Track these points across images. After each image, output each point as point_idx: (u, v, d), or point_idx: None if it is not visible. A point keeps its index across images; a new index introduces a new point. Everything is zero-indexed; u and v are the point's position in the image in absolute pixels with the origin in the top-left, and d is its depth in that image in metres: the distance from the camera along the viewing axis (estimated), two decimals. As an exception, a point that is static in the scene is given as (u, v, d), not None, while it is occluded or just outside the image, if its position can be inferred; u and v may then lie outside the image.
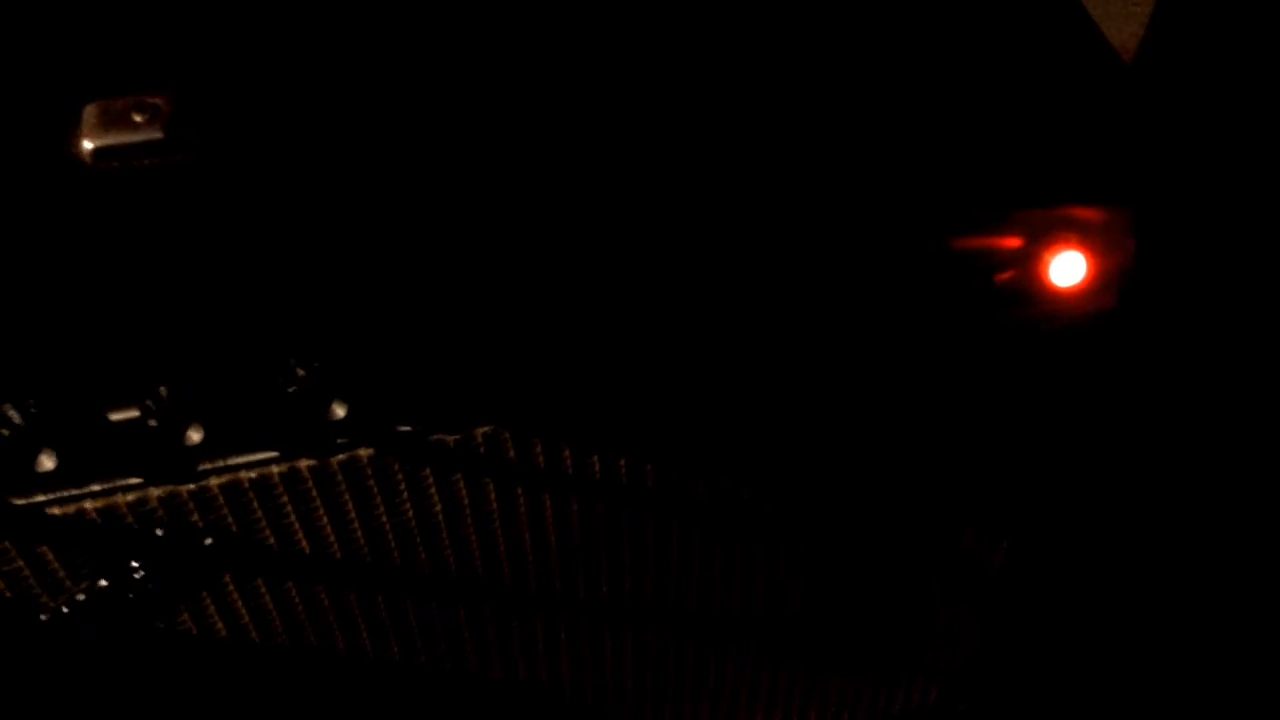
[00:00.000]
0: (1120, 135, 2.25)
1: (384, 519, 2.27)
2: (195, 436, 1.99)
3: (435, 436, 2.17)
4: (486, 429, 2.20)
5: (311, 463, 2.12)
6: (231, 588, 2.31)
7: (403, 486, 2.24)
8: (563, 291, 2.12)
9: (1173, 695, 2.95)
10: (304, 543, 2.26)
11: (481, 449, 2.22)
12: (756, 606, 2.90)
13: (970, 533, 2.80)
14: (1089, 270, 2.29)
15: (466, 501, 2.31)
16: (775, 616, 2.95)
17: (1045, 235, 2.27)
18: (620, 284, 2.14)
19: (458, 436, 2.19)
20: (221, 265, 1.99)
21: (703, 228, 2.13)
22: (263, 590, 2.34)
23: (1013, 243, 2.29)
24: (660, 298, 2.16)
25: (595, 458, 2.32)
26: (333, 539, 2.28)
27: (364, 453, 2.15)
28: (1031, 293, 2.31)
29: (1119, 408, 2.42)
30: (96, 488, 2.02)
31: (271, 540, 2.24)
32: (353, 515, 2.25)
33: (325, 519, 2.23)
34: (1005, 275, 2.30)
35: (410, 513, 2.29)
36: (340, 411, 2.02)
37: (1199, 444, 2.54)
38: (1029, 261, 2.29)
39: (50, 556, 2.10)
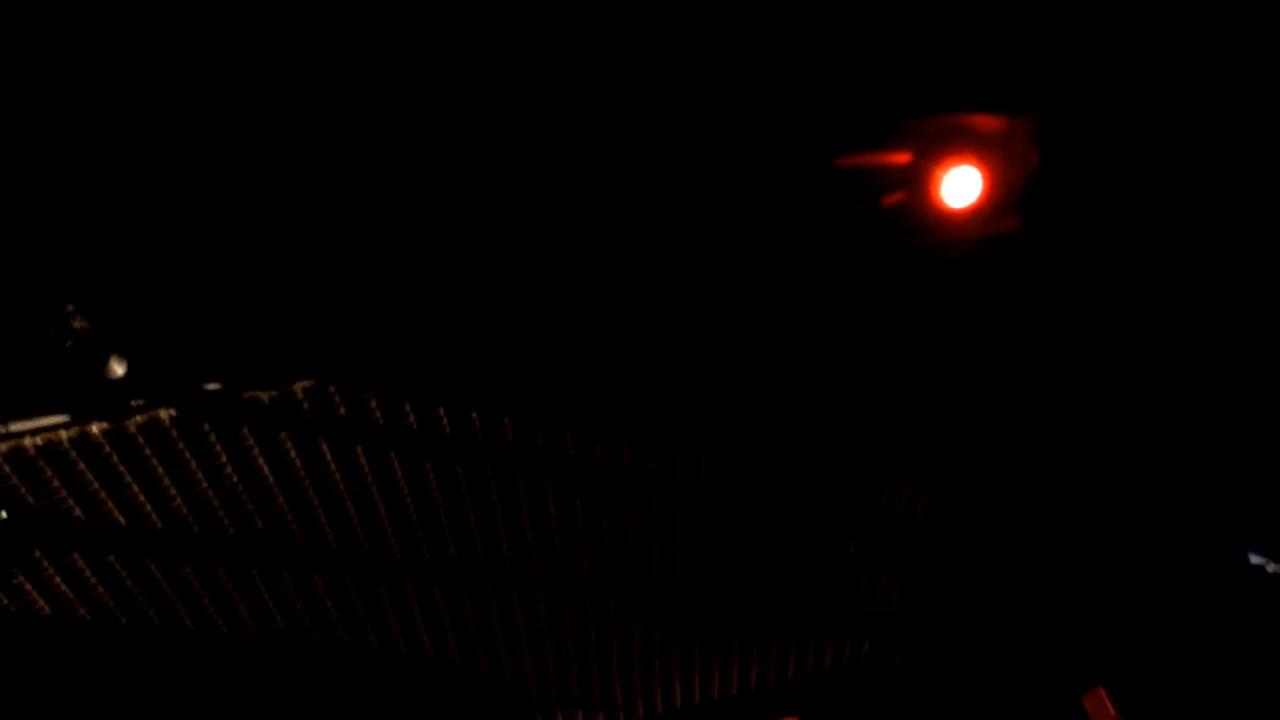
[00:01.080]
0: (1024, 29, 1.97)
1: (205, 486, 2.05)
2: (-47, 402, 1.77)
3: (248, 394, 1.95)
4: (307, 384, 1.97)
5: (104, 426, 1.90)
6: (46, 564, 2.10)
7: (218, 449, 2.01)
8: (384, 218, 1.88)
9: (1099, 639, 2.74)
10: (116, 514, 2.04)
11: (305, 405, 1.99)
12: (659, 569, 2.69)
13: (885, 486, 2.57)
14: (985, 187, 2.03)
15: (299, 464, 2.09)
16: (683, 579, 2.75)
17: (935, 148, 2.01)
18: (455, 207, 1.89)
19: (274, 394, 1.97)
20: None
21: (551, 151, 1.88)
22: (82, 565, 2.12)
23: (899, 158, 2.03)
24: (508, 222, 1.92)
25: (442, 411, 2.09)
26: (149, 509, 2.05)
27: (165, 414, 1.93)
28: (922, 216, 2.05)
29: (1028, 344, 2.16)
30: None
31: (79, 512, 2.02)
32: (167, 483, 2.03)
33: (135, 487, 2.01)
34: (893, 197, 2.04)
35: (235, 478, 2.06)
36: (119, 369, 1.79)
37: (1118, 384, 2.29)
38: (918, 180, 2.03)
39: None
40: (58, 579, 2.12)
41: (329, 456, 2.09)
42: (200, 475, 2.03)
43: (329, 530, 2.22)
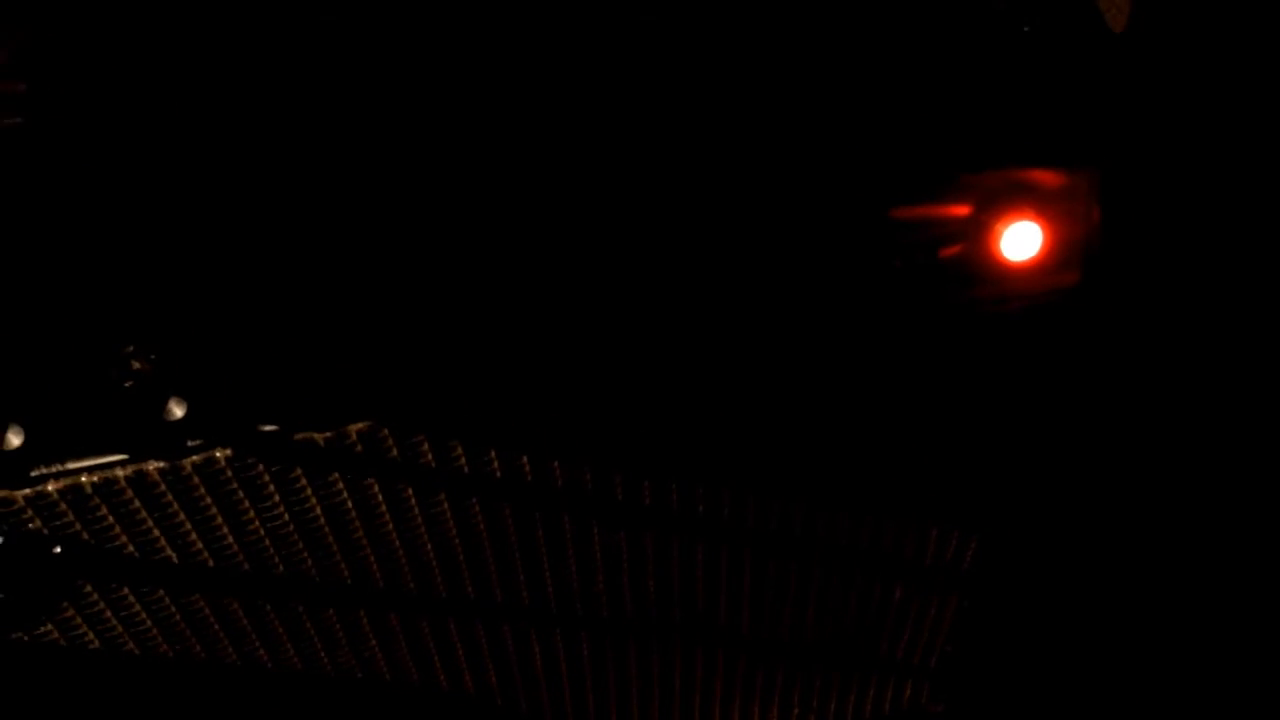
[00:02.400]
0: (1084, 87, 1.96)
1: (256, 524, 2.06)
2: (15, 440, 1.78)
3: (302, 435, 1.95)
4: (361, 426, 1.98)
5: (160, 465, 1.91)
6: (96, 597, 2.11)
7: (271, 489, 2.02)
8: (439, 272, 1.88)
9: (1148, 693, 2.70)
10: (169, 550, 2.05)
11: (358, 448, 2.00)
12: (704, 610, 2.68)
13: (934, 531, 2.55)
14: (1045, 242, 2.01)
15: (350, 504, 2.09)
16: (732, 617, 2.73)
17: (995, 202, 2.00)
18: (513, 263, 1.90)
19: (329, 435, 1.97)
20: (40, 249, 1.78)
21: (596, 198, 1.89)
22: (132, 600, 2.13)
23: (959, 211, 2.02)
24: (562, 274, 1.92)
25: (493, 453, 2.09)
26: (200, 546, 2.06)
27: (220, 454, 1.93)
28: (981, 269, 2.04)
29: (1086, 399, 2.14)
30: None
31: (131, 548, 2.03)
32: (219, 521, 2.03)
33: (187, 525, 2.02)
34: (951, 250, 2.03)
35: (286, 517, 2.07)
36: (178, 411, 1.80)
37: (1175, 438, 2.27)
38: (977, 233, 2.01)
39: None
40: (108, 613, 2.13)
41: (380, 497, 2.10)
42: (253, 513, 2.04)
43: (376, 569, 2.23)
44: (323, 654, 2.36)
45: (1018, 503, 2.42)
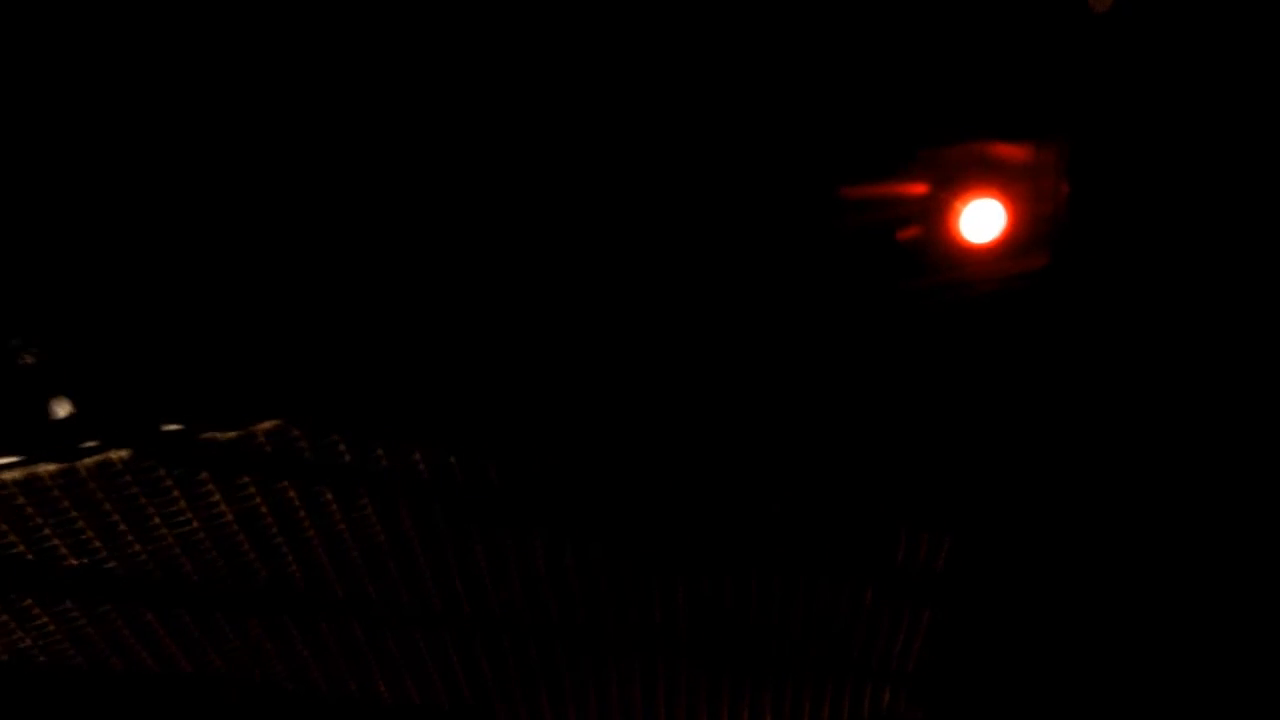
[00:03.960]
0: (1051, 52, 1.80)
1: (163, 529, 1.92)
2: (-117, 443, 1.65)
3: (206, 435, 1.82)
4: (270, 425, 1.84)
5: (54, 468, 1.78)
6: (-3, 608, 1.98)
7: (176, 493, 1.88)
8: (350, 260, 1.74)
9: (1128, 695, 2.56)
10: (70, 558, 1.92)
11: (268, 448, 1.86)
12: (663, 617, 2.53)
13: (902, 532, 2.41)
14: (1009, 221, 1.86)
15: (264, 508, 1.95)
16: (691, 626, 2.59)
17: (954, 179, 1.85)
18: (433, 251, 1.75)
19: (235, 435, 1.83)
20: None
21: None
22: (36, 611, 2.00)
23: (916, 189, 1.87)
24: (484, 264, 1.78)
25: (418, 454, 1.95)
26: (105, 553, 1.93)
27: (117, 456, 1.80)
28: (940, 252, 1.89)
29: (1057, 391, 1.99)
30: None
31: (30, 555, 1.90)
32: (124, 527, 1.90)
33: (89, 531, 1.88)
34: (908, 231, 1.87)
35: (194, 522, 1.93)
36: (62, 410, 1.67)
37: (1152, 432, 2.11)
38: (936, 212, 1.86)
39: None
40: (13, 624, 2.00)
41: (298, 500, 1.96)
42: (158, 519, 1.90)
43: (299, 575, 2.09)
44: (250, 662, 2.23)
45: (989, 503, 2.26)
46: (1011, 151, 1.78)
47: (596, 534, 2.17)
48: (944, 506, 2.30)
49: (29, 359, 1.66)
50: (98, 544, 1.90)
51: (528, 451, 1.96)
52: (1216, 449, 2.10)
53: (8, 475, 1.75)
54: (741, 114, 1.72)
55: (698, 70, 1.72)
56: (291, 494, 1.93)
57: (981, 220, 1.81)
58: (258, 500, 1.92)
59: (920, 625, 2.72)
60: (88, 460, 1.77)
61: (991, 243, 1.81)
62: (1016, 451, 2.12)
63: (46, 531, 1.85)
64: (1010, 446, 2.11)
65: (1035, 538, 2.32)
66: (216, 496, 1.89)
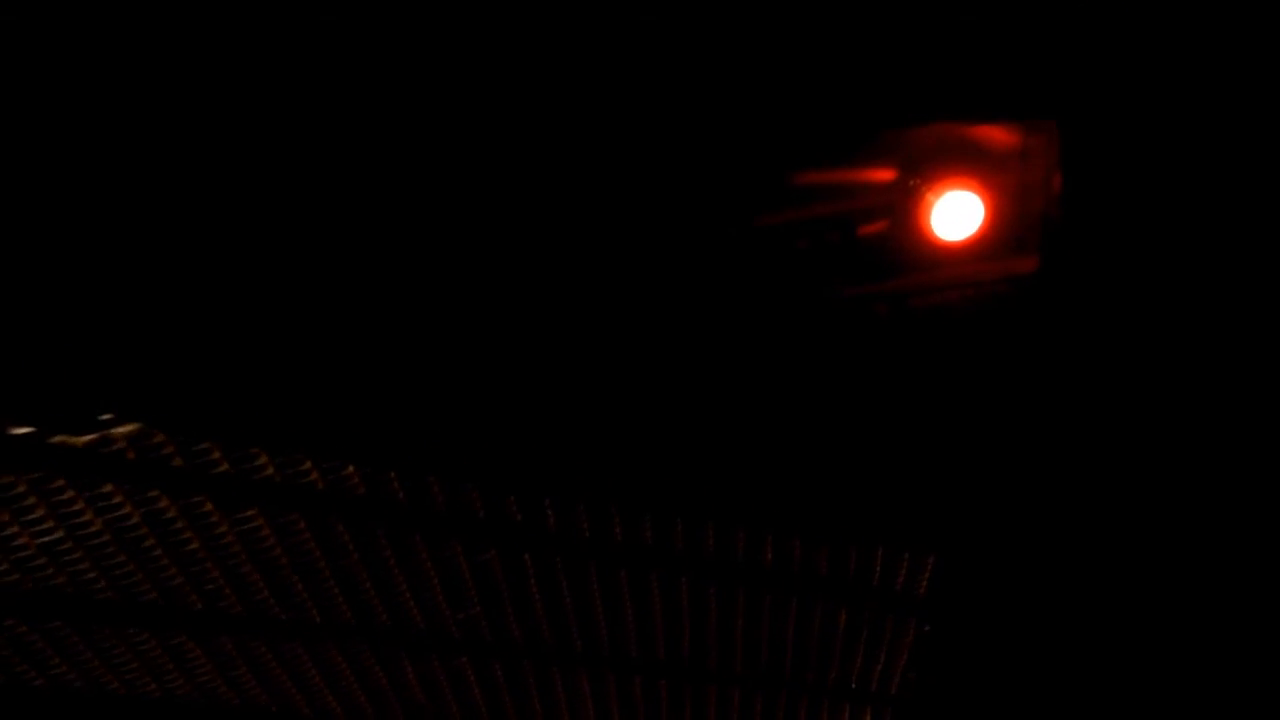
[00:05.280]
0: (1043, 19, 1.52)
1: (23, 539, 1.72)
2: None
3: (57, 439, 1.60)
4: (130, 429, 1.62)
5: (-117, 476, 1.57)
6: None
7: (32, 501, 1.67)
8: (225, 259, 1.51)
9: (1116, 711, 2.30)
10: (-82, 569, 1.72)
11: (129, 454, 1.64)
12: (636, 638, 2.31)
13: (880, 551, 2.15)
14: (989, 216, 1.58)
15: (136, 519, 1.74)
16: (664, 649, 2.37)
17: (927, 165, 1.57)
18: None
19: (92, 438, 1.62)
20: None
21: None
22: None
23: (880, 176, 1.60)
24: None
25: (309, 464, 1.73)
26: (-40, 564, 1.73)
27: (-44, 460, 1.59)
28: (909, 251, 1.61)
29: (1044, 408, 1.71)
30: None
31: (-127, 566, 1.70)
32: (-14, 535, 1.70)
33: (-67, 541, 1.68)
34: (871, 226, 1.60)
35: (59, 533, 1.73)
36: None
37: (1150, 447, 1.83)
38: (904, 205, 1.59)
39: None
40: None
41: (175, 511, 1.74)
42: (16, 528, 1.69)
43: (190, 591, 1.88)
44: (148, 679, 2.03)
45: (971, 522, 2.01)
46: (993, 134, 1.51)
47: (559, 551, 1.94)
48: (922, 529, 2.05)
49: None
50: (-50, 554, 1.70)
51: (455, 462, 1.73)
52: (1217, 466, 1.83)
53: None
54: (669, 80, 1.45)
55: (620, 29, 1.45)
56: (165, 503, 1.71)
57: (958, 214, 1.55)
58: (128, 510, 1.70)
59: (904, 646, 2.48)
60: (-76, 466, 1.56)
61: (968, 240, 1.55)
62: (997, 471, 1.86)
63: (-112, 542, 1.66)
64: (989, 467, 1.85)
65: (1022, 555, 2.06)
66: (79, 505, 1.68)
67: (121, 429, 1.59)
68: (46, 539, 1.72)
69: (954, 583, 2.27)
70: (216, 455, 1.66)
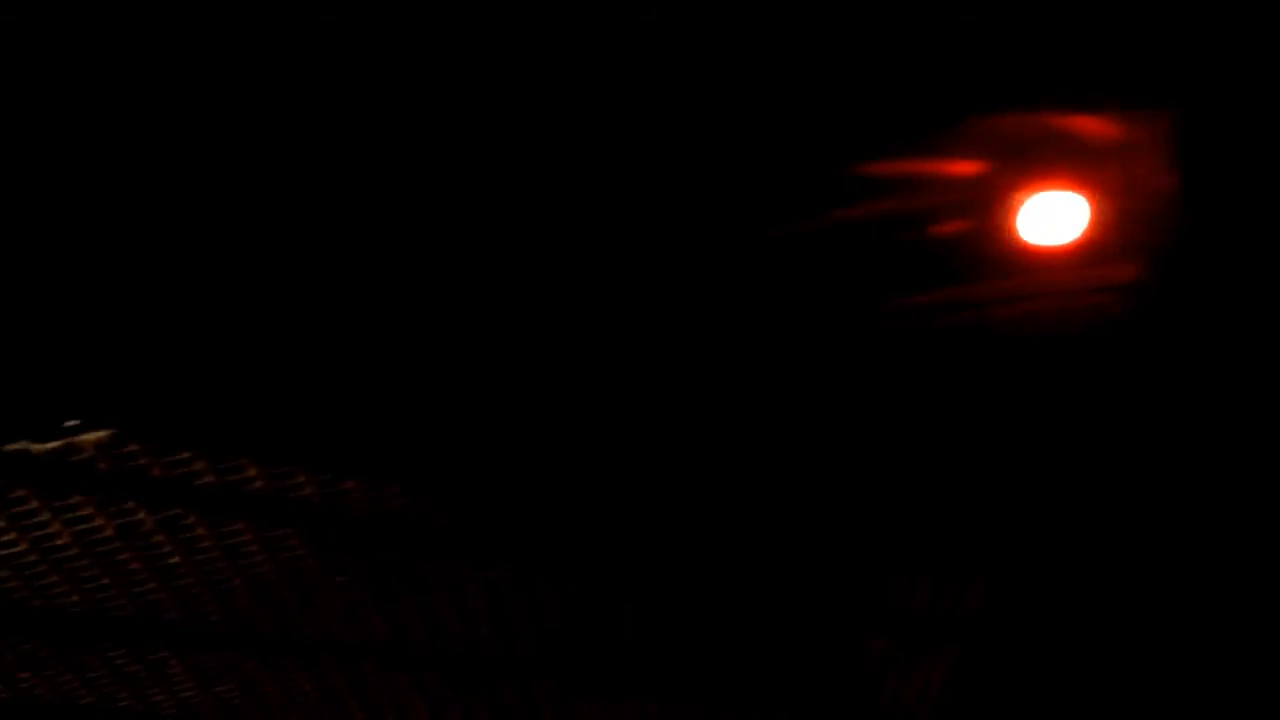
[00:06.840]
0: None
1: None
2: None
3: (16, 446, 1.42)
4: (101, 436, 1.44)
5: None
6: None
7: (-8, 513, 1.50)
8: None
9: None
10: None
11: (101, 463, 1.46)
12: (665, 661, 2.15)
13: (925, 579, 1.97)
14: (1092, 219, 1.39)
15: (109, 531, 1.56)
16: (701, 669, 2.21)
17: (1019, 159, 1.37)
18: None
19: (56, 445, 1.44)
20: None
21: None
22: None
23: (962, 170, 1.40)
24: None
25: (302, 475, 1.54)
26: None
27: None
28: (993, 255, 1.42)
29: (1132, 426, 1.51)
30: None
31: None
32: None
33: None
34: (948, 225, 1.41)
35: (22, 544, 1.55)
36: None
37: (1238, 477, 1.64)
38: (990, 203, 1.39)
39: None
40: None
41: (151, 522, 1.56)
42: (-23, 540, 1.52)
43: (166, 603, 1.71)
44: (124, 695, 1.87)
45: (1024, 546, 1.82)
46: (1097, 125, 1.31)
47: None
48: (975, 550, 1.86)
49: None
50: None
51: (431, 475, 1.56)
52: None
53: None
54: (730, 63, 1.25)
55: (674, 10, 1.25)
56: (143, 515, 1.53)
57: (1053, 216, 1.35)
58: (100, 521, 1.53)
59: (938, 670, 2.31)
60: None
61: (1065, 246, 1.35)
62: (1073, 494, 1.67)
63: None
64: (1066, 489, 1.66)
65: (1082, 589, 1.87)
66: (45, 516, 1.50)
67: (92, 435, 1.41)
68: (9, 550, 1.55)
69: (994, 608, 2.09)
70: (197, 466, 1.48)
